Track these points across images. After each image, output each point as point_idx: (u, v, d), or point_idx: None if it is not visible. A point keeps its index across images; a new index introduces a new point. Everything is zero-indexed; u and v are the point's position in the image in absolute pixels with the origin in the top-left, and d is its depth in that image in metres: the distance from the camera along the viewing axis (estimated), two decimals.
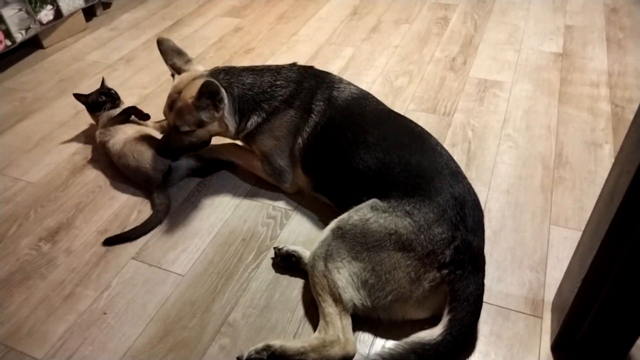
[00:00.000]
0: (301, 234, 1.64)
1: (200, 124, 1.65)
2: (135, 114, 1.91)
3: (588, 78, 2.37)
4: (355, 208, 1.41)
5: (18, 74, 2.56)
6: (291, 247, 1.51)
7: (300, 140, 1.67)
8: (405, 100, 2.27)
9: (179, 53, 1.74)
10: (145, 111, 1.94)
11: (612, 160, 1.74)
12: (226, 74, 1.69)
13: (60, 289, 1.49)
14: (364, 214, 1.37)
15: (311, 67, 1.78)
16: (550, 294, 1.42)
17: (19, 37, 2.54)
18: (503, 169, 1.87)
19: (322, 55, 2.62)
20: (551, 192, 1.76)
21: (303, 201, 1.76)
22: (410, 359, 1.19)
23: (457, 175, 1.45)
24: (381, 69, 2.49)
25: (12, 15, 2.47)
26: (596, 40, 2.67)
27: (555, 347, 1.29)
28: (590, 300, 1.15)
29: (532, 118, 2.13)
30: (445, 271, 1.27)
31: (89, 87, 2.41)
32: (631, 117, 2.06)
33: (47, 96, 2.38)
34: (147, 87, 2.41)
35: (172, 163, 1.77)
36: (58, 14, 2.72)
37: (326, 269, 1.32)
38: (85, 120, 2.19)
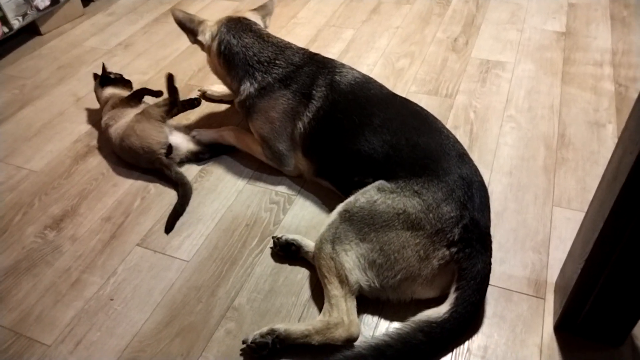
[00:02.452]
0: (304, 218, 1.65)
1: (204, 50, 1.85)
2: (148, 94, 1.96)
3: (591, 57, 2.34)
4: (362, 190, 1.42)
5: (17, 61, 2.54)
6: (290, 236, 1.50)
7: (300, 125, 1.66)
8: (406, 82, 2.25)
9: (263, 7, 1.94)
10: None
11: (616, 140, 1.73)
12: (236, 24, 1.79)
13: (67, 276, 1.50)
14: (371, 195, 1.38)
15: (317, 54, 1.78)
16: (552, 275, 1.43)
17: (16, 23, 2.52)
18: (505, 150, 1.87)
19: (322, 37, 2.59)
20: (554, 173, 1.76)
21: (306, 186, 1.76)
22: (417, 337, 1.21)
23: (463, 157, 1.46)
24: (382, 51, 2.46)
25: (9, 1, 2.44)
26: (600, 18, 2.63)
27: (558, 328, 1.31)
28: (593, 281, 1.16)
29: (534, 98, 2.12)
30: (454, 249, 1.29)
31: (88, 73, 2.39)
32: (635, 96, 2.05)
33: (47, 84, 2.37)
34: (146, 73, 2.39)
35: (172, 141, 1.80)
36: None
37: (334, 251, 1.32)
38: (85, 107, 2.19)
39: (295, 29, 2.69)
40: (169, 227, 1.62)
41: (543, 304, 1.37)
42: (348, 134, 1.56)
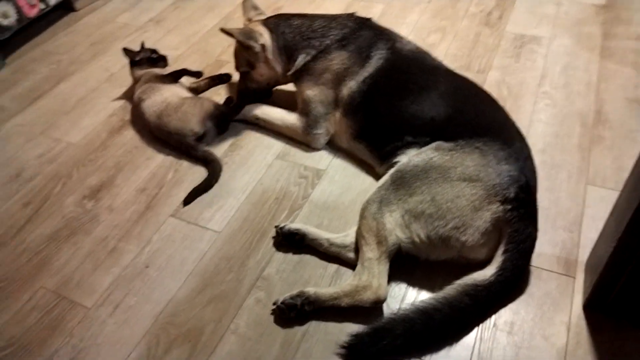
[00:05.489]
0: (332, 194, 1.66)
1: (251, 65, 1.83)
2: (187, 74, 2.00)
3: (634, 31, 2.25)
4: (417, 152, 1.45)
5: (53, 37, 2.60)
6: (293, 225, 1.48)
7: (352, 84, 1.68)
8: (437, 57, 2.20)
9: (255, 8, 1.97)
10: None
11: None
12: (277, 19, 1.84)
13: (105, 244, 1.57)
14: (427, 154, 1.40)
15: (369, 19, 1.82)
16: (584, 254, 1.41)
17: (52, 0, 2.57)
18: (539, 127, 1.83)
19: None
20: (589, 151, 1.72)
21: (334, 162, 1.77)
22: (464, 301, 1.22)
23: (522, 135, 1.49)
24: (413, 26, 2.42)
25: None
26: None
27: (587, 307, 1.30)
28: (625, 261, 1.15)
29: (570, 74, 2.05)
30: (508, 206, 1.28)
31: (120, 50, 2.44)
32: None
33: (81, 59, 2.42)
34: (178, 48, 2.42)
35: (206, 128, 1.82)
36: None
37: (379, 211, 1.34)
38: (118, 82, 2.23)
39: (325, 3, 2.66)
40: (188, 200, 1.66)
41: (573, 283, 1.36)
42: (411, 95, 1.58)
